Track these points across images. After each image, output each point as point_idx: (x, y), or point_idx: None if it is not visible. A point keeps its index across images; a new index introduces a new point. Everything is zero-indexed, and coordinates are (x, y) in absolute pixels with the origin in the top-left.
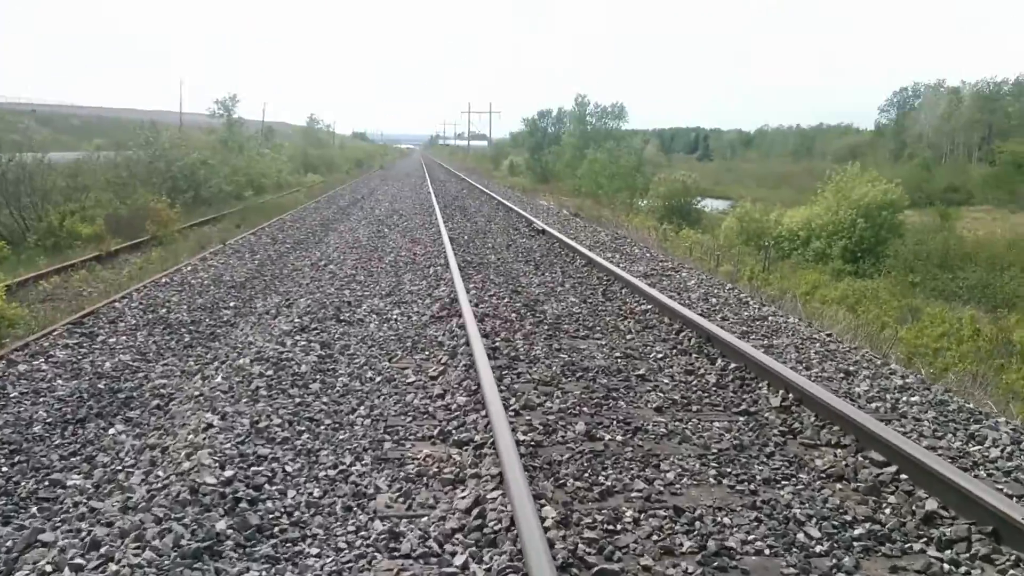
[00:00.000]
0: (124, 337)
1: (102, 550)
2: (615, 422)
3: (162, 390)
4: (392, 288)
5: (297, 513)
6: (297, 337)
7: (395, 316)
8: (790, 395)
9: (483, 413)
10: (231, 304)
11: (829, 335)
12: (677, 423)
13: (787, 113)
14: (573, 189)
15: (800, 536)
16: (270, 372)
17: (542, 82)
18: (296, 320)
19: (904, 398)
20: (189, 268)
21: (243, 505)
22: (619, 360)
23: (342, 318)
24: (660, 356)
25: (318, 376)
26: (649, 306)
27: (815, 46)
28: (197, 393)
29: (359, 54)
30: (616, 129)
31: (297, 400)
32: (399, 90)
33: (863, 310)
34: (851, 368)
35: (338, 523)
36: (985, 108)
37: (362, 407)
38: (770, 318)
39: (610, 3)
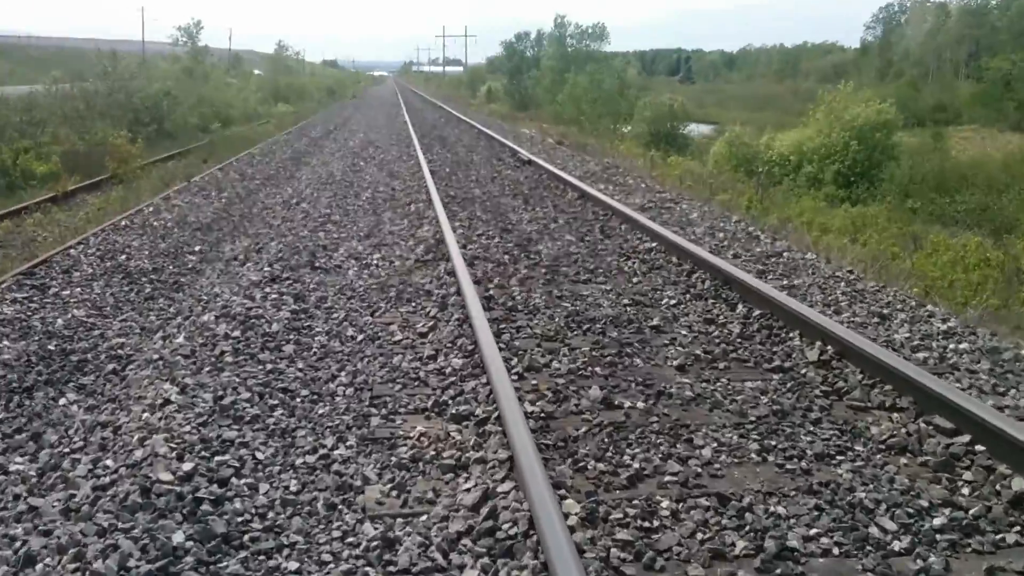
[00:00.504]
0: (79, 289)
1: (37, 568)
2: (633, 384)
3: (119, 350)
4: (371, 228)
5: (271, 515)
6: (267, 289)
7: (376, 261)
8: (828, 347)
9: (483, 380)
10: (196, 248)
11: (851, 271)
12: (704, 384)
13: (770, 31)
14: (554, 115)
15: (873, 530)
16: (237, 333)
17: (519, 3)
18: (266, 268)
19: (951, 346)
20: (151, 208)
21: (205, 508)
22: (628, 309)
23: (317, 265)
24: (673, 302)
25: (292, 336)
26: (653, 244)
27: None
28: (156, 357)
29: None
30: (598, 51)
31: (268, 367)
32: (371, 15)
33: (864, 239)
34: (884, 311)
35: (321, 527)
36: (972, 23)
37: (343, 373)
38: (785, 254)
39: None
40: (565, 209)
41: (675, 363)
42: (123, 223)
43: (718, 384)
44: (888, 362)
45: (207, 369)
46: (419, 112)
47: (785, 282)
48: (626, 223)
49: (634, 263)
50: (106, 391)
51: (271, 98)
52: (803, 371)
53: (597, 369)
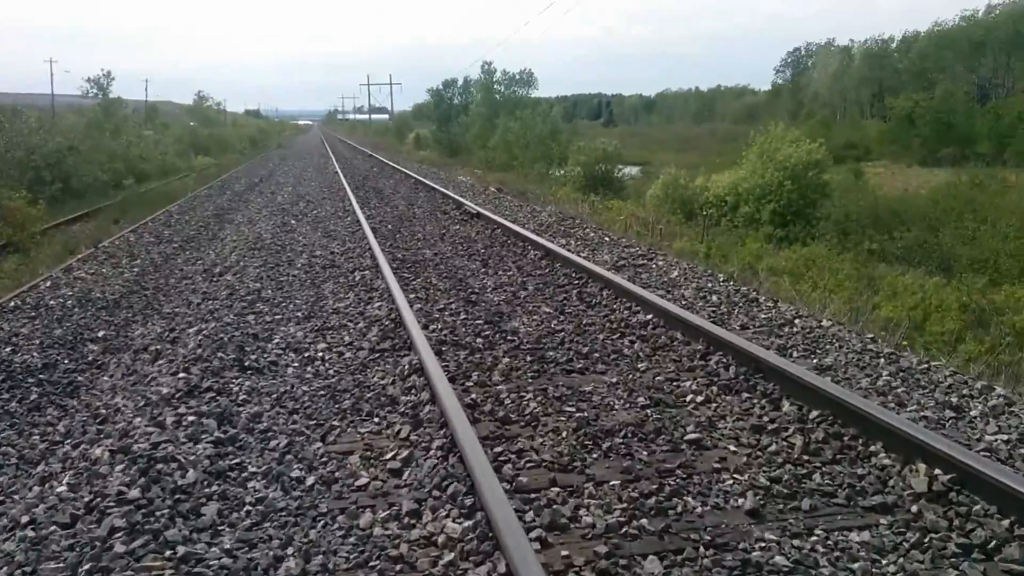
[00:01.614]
0: None
1: None
2: (701, 547)
3: None
4: (311, 306)
5: None
6: (182, 408)
7: (320, 354)
8: (936, 470)
9: (501, 566)
10: (100, 335)
11: (872, 338)
12: (797, 542)
13: (686, 76)
14: (484, 161)
15: None
16: (136, 492)
17: (443, 54)
18: (182, 374)
19: None
20: (49, 283)
21: None
22: (650, 412)
23: (247, 363)
24: (700, 399)
25: (215, 487)
26: (649, 316)
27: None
28: (26, 519)
29: (250, 28)
30: (526, 97)
31: (180, 552)
32: (294, 64)
33: (815, 279)
34: (950, 397)
35: None
36: (875, 65)
37: (290, 555)
38: (797, 322)
39: None
40: (531, 271)
41: (741, 505)
42: (12, 303)
43: (813, 539)
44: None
45: (90, 550)
46: (349, 161)
47: (816, 361)
48: (606, 287)
49: (633, 342)
50: None
51: (191, 150)
52: (915, 509)
53: (644, 522)
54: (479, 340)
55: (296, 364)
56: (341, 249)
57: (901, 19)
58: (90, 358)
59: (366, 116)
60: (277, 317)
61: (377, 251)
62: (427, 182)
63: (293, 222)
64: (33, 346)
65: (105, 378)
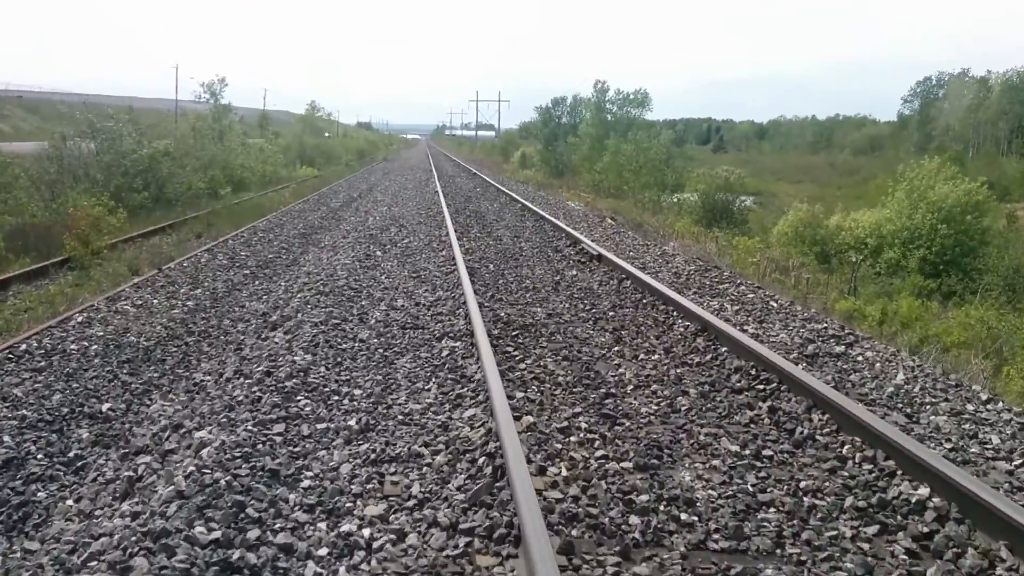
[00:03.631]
0: None
1: None
2: None
3: None
4: (373, 407)
5: None
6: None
7: (366, 532)
8: None
9: None
10: (104, 408)
11: None
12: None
13: (798, 104)
14: (592, 184)
15: None
16: None
17: (551, 70)
18: (128, 553)
19: None
20: (82, 318)
21: None
22: None
23: (236, 557)
24: None
25: None
26: (924, 488)
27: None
28: None
29: (367, 41)
30: (639, 118)
31: None
32: (407, 78)
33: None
34: None
35: None
36: (1016, 98)
37: None
38: None
39: None
40: (685, 357)
41: None
42: (23, 346)
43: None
44: None
45: None
46: (451, 180)
47: None
48: (815, 406)
49: (915, 555)
50: None
51: (297, 160)
52: None
53: None
54: (634, 520)
55: (321, 554)
56: (430, 299)
57: None
58: (71, 454)
59: (472, 132)
60: (318, 430)
61: (473, 307)
62: (534, 208)
63: (379, 254)
64: (13, 423)
65: (70, 504)
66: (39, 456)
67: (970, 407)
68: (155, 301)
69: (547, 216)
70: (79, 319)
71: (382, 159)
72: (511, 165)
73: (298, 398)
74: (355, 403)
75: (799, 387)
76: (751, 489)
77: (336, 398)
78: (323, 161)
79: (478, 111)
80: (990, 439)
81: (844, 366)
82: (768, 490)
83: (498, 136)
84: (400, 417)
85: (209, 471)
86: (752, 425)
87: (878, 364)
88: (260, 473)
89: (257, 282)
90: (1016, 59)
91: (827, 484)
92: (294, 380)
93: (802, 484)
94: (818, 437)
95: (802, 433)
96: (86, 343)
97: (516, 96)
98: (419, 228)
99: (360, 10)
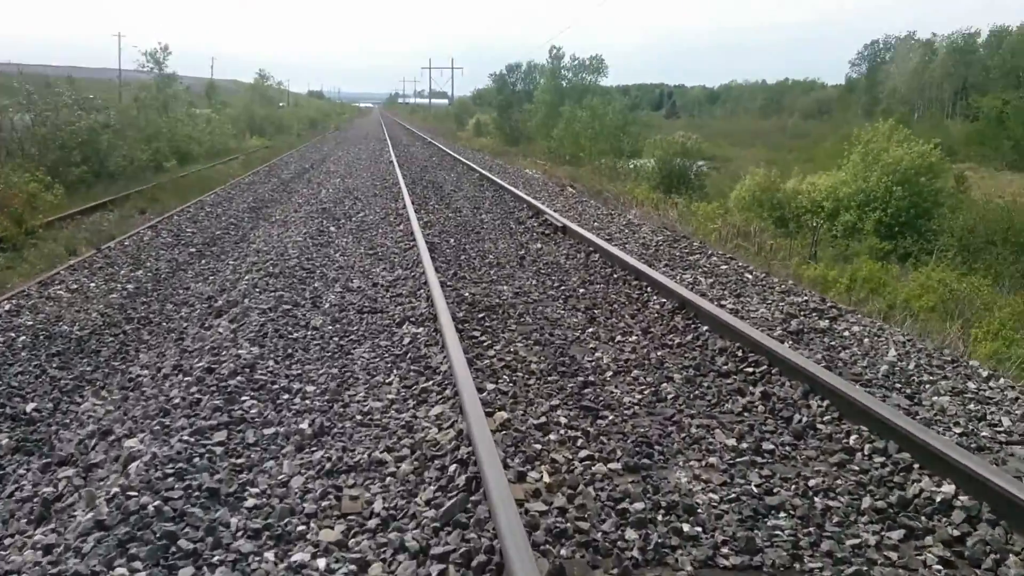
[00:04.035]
0: None
1: None
2: None
3: None
4: (327, 406)
5: None
6: None
7: (319, 565)
8: None
9: None
10: (28, 408)
11: None
12: None
13: (750, 68)
14: (548, 151)
15: None
16: None
17: (504, 35)
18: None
19: None
20: (11, 304)
21: None
22: None
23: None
24: None
25: None
26: (949, 485)
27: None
28: None
29: (318, 6)
30: (594, 84)
31: None
32: (358, 46)
33: (973, 320)
34: None
35: None
36: (960, 61)
37: None
38: None
39: None
40: (664, 338)
41: None
42: None
43: None
44: None
45: None
46: (406, 148)
47: None
48: (813, 392)
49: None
50: None
51: (247, 130)
52: None
53: None
54: (631, 535)
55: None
56: (388, 279)
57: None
58: None
59: (426, 100)
60: (265, 436)
61: (435, 287)
62: (493, 177)
63: (333, 229)
64: None
65: None
66: None
67: (972, 385)
68: (92, 285)
69: (506, 186)
70: (7, 307)
71: (334, 128)
72: (466, 133)
73: (243, 398)
74: (308, 402)
75: (791, 370)
76: (756, 491)
77: (286, 396)
78: (273, 131)
79: (431, 79)
80: (1000, 420)
81: (832, 343)
82: (775, 491)
83: (452, 104)
84: (358, 418)
85: (136, 494)
86: (746, 414)
87: (866, 339)
88: (196, 494)
89: (204, 261)
90: (960, 22)
91: (839, 482)
92: (239, 377)
93: (811, 483)
94: (819, 426)
95: (801, 422)
96: (13, 334)
97: (469, 63)
98: (374, 200)
99: None
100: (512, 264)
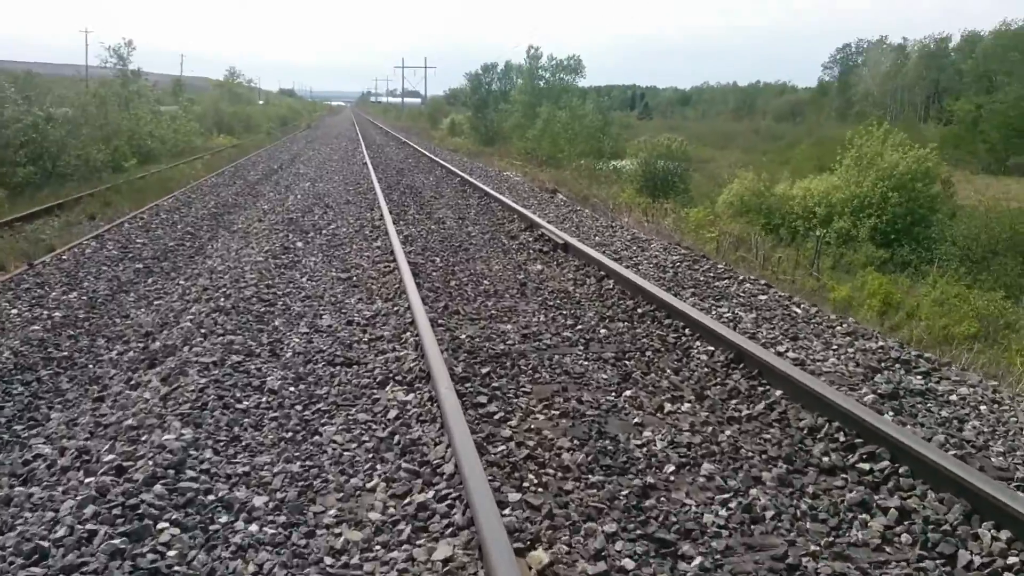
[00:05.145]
0: None
1: None
2: None
3: None
4: (284, 531)
5: None
6: None
7: None
8: None
9: None
10: None
11: None
12: None
13: (722, 70)
14: (524, 152)
15: None
16: None
17: (477, 36)
18: None
19: None
20: None
21: None
22: None
23: None
24: None
25: None
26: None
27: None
28: None
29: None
30: (572, 85)
31: None
32: (331, 45)
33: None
34: None
35: None
36: (932, 65)
37: None
38: None
39: None
40: (730, 411)
41: None
42: None
43: None
44: None
45: None
46: (380, 149)
47: None
48: (972, 509)
49: None
50: None
51: (214, 128)
52: None
53: None
54: None
55: None
56: (365, 314)
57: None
58: None
59: (399, 99)
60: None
61: (424, 329)
62: (474, 181)
63: (300, 245)
64: None
65: None
66: None
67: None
68: (13, 311)
69: (492, 192)
70: None
71: (305, 127)
72: (440, 133)
73: (161, 524)
74: (253, 527)
75: (929, 470)
76: None
77: (225, 518)
78: (242, 129)
79: (404, 78)
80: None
81: (942, 412)
82: None
83: (425, 103)
84: (328, 562)
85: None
86: (887, 549)
87: (983, 406)
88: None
89: (150, 280)
90: (932, 27)
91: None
92: (158, 486)
93: None
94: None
95: (973, 564)
96: None
97: (442, 62)
98: (347, 209)
99: None
100: (512, 293)
